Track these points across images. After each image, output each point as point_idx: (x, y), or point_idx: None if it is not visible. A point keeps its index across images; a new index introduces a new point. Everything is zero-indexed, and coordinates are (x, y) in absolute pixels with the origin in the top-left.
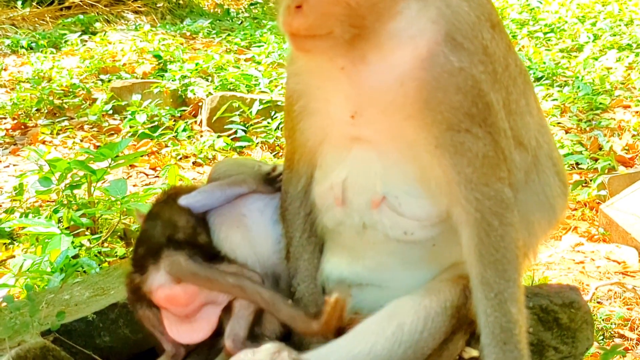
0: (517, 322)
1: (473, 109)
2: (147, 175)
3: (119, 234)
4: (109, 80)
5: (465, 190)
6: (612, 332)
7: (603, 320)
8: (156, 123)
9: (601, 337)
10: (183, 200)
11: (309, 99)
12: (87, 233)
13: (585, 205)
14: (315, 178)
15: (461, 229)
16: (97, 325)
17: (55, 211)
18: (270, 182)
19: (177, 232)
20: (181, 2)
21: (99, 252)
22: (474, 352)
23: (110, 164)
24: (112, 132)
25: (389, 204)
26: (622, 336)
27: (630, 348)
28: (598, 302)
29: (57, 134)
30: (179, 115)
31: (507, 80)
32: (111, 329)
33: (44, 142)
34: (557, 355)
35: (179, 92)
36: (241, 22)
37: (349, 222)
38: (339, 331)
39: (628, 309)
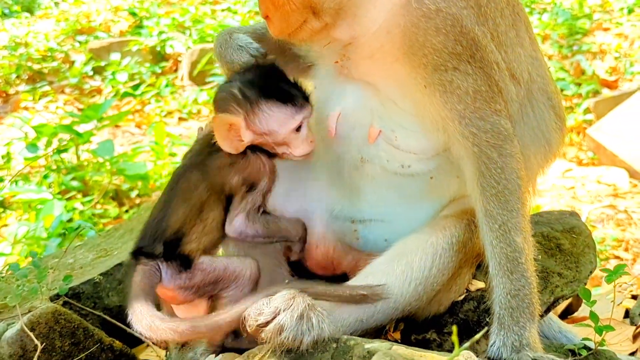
0: (523, 251)
1: (457, 47)
2: (133, 134)
3: (110, 195)
4: (86, 42)
5: (460, 126)
6: (608, 255)
7: (598, 243)
8: (137, 81)
9: (597, 260)
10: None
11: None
12: (78, 196)
13: (573, 131)
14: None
15: (462, 163)
16: (105, 286)
17: (45, 177)
18: None
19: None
20: None
21: (93, 215)
22: (480, 284)
23: (95, 126)
24: (94, 93)
25: (386, 137)
26: (617, 257)
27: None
28: (592, 226)
29: (39, 99)
30: (159, 71)
31: (494, 12)
32: (118, 289)
33: (26, 109)
34: (561, 281)
35: (158, 48)
36: None
37: (347, 156)
38: (347, 274)
39: (621, 230)
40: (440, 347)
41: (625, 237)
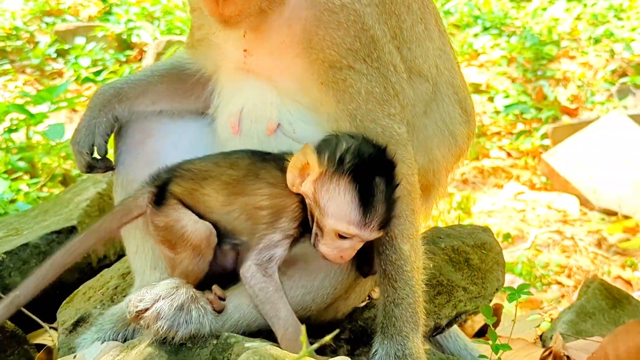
0: (409, 260)
1: (356, 43)
2: None
3: (59, 179)
4: (53, 23)
5: (351, 127)
6: (550, 280)
7: (541, 267)
8: (100, 67)
9: (539, 284)
10: None
11: (209, 32)
12: (25, 178)
13: (528, 155)
14: (215, 108)
15: None
16: (7, 265)
17: None
18: None
19: None
20: None
21: (38, 197)
22: None
23: (50, 108)
24: (55, 75)
25: (284, 130)
26: (559, 283)
27: (565, 295)
28: (537, 250)
29: None
30: (124, 59)
31: (399, 8)
32: (22, 269)
33: None
34: (466, 296)
35: (124, 36)
36: None
37: None
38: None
39: (566, 256)
40: (334, 353)
41: (569, 264)
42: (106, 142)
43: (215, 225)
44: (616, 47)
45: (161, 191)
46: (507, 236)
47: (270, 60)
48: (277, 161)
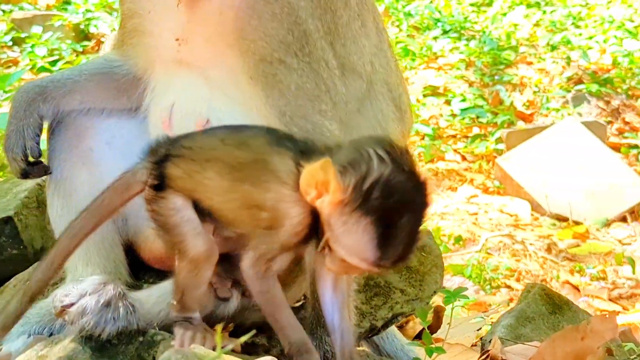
0: None
1: (289, 36)
2: None
3: (7, 169)
4: (11, 11)
5: (280, 123)
6: (499, 283)
7: (491, 270)
8: (56, 57)
9: (488, 287)
10: None
11: (142, 20)
12: None
13: (483, 158)
14: (148, 103)
15: None
16: None
17: None
18: None
19: None
20: None
21: None
22: None
23: (1, 96)
24: (10, 64)
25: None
26: (508, 286)
27: (514, 298)
28: (487, 253)
29: None
30: (80, 50)
31: (336, 4)
32: None
33: None
34: (403, 298)
35: (82, 26)
36: None
37: None
38: None
39: (516, 260)
40: (267, 352)
41: (519, 268)
42: (38, 143)
43: (216, 214)
44: (573, 54)
45: (160, 167)
46: (458, 239)
47: (203, 50)
48: (296, 152)
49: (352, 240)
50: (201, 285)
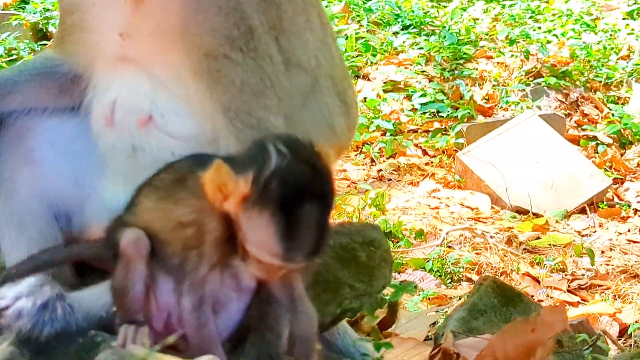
0: None
1: (234, 31)
2: None
3: None
4: None
5: (225, 119)
6: (461, 276)
7: (452, 264)
8: (14, 57)
9: (449, 280)
10: None
11: (84, 15)
12: None
13: (444, 153)
14: (89, 100)
15: None
16: None
17: None
18: None
19: None
20: None
21: None
22: None
23: None
24: None
25: (156, 123)
26: (469, 280)
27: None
28: (448, 247)
29: None
30: (39, 49)
31: None
32: None
33: None
34: (352, 293)
35: (40, 26)
36: None
37: (120, 145)
38: None
39: (476, 253)
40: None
41: (479, 261)
42: None
43: (155, 239)
44: (532, 48)
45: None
46: (420, 233)
47: (147, 45)
48: (204, 165)
49: (259, 235)
50: (135, 283)
